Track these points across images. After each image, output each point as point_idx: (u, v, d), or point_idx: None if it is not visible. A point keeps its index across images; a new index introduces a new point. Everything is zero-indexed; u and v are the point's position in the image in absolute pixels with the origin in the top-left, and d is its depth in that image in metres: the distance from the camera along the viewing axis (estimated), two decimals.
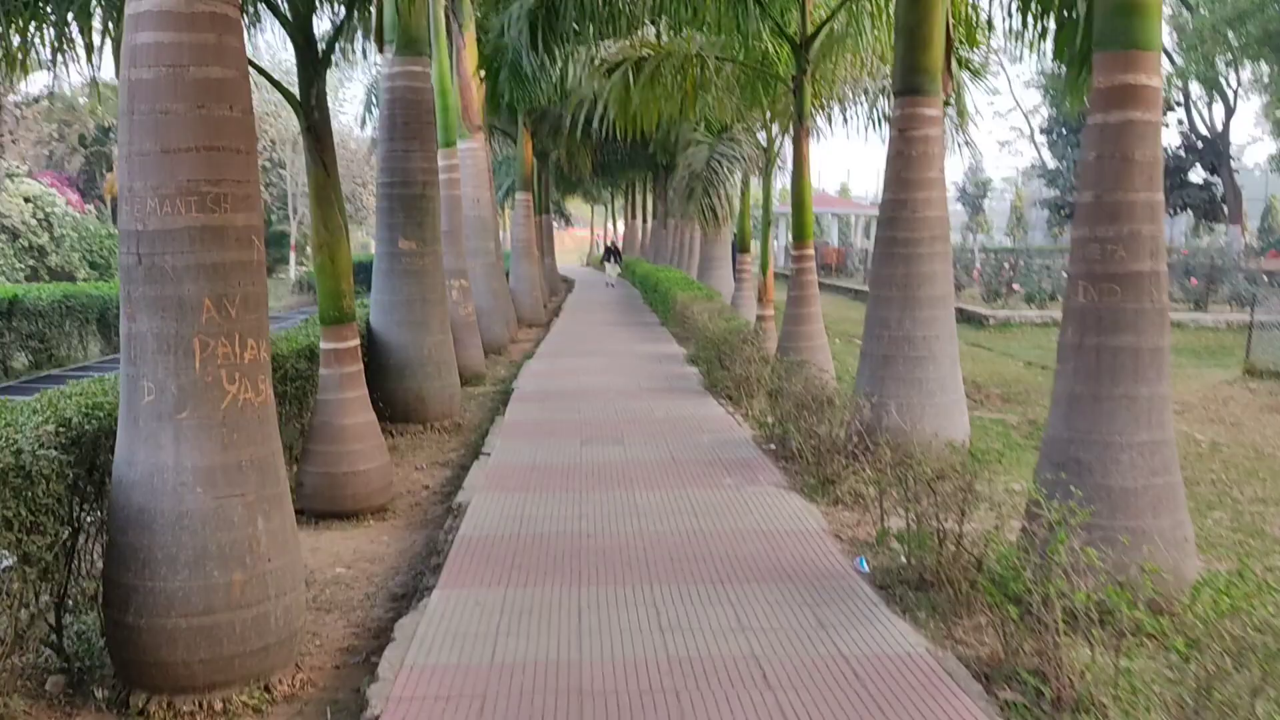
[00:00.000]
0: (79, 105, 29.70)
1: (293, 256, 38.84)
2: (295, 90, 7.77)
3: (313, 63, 7.77)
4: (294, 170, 38.41)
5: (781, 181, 29.27)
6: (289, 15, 7.60)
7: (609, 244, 35.64)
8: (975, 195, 62.77)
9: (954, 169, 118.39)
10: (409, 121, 11.04)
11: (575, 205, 70.86)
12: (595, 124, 17.94)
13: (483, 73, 18.35)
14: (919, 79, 8.05)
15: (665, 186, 37.04)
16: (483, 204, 17.96)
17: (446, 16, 17.12)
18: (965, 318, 22.37)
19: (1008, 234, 63.05)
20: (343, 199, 8.21)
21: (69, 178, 31.47)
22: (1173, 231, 53.15)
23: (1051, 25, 8.70)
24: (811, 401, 8.23)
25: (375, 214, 11.62)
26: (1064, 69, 8.62)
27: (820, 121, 14.90)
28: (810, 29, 11.12)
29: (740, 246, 17.62)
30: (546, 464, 8.61)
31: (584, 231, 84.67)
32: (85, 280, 28.74)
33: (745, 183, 16.64)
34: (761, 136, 15.84)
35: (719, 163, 15.91)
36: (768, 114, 14.20)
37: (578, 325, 21.70)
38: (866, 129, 15.22)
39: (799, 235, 11.58)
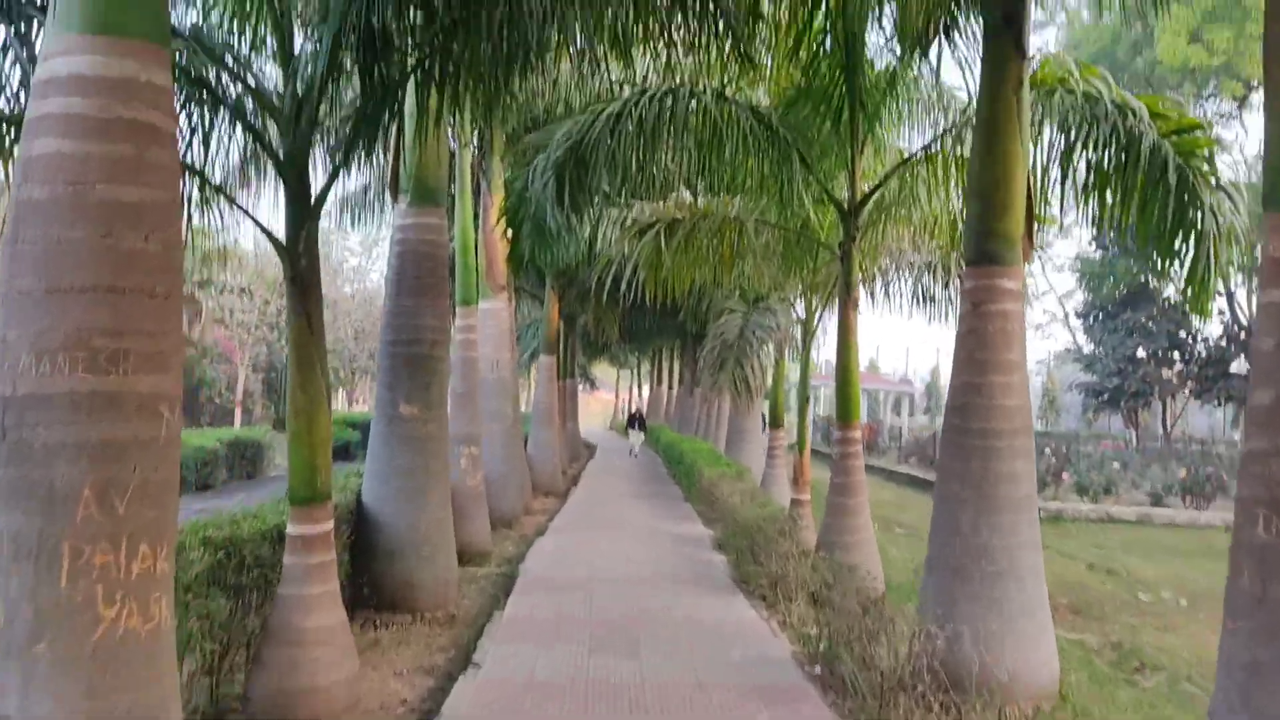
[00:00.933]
0: None
1: None
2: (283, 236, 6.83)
3: (303, 204, 6.87)
4: None
5: (821, 354, 28.40)
6: (279, 152, 6.73)
7: (633, 411, 34.41)
8: None
9: None
10: (420, 276, 10.14)
11: (601, 368, 70.49)
12: (624, 287, 17.21)
13: (509, 231, 17.72)
14: (996, 246, 7.02)
15: (693, 354, 36.31)
16: (503, 366, 17.02)
17: (474, 172, 16.63)
18: None
19: (1040, 418, 61.70)
20: (326, 359, 7.14)
21: None
22: (1211, 422, 51.71)
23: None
24: (866, 619, 6.86)
25: (376, 373, 10.59)
26: (1100, 250, 7.61)
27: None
28: (859, 194, 10.26)
29: (772, 422, 16.49)
30: (545, 681, 7.20)
31: (609, 395, 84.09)
32: None
33: (779, 354, 15.65)
34: (799, 307, 14.97)
35: (753, 333, 14.97)
36: (807, 283, 13.28)
37: (597, 495, 20.38)
38: (911, 305, 14.27)
39: (844, 415, 10.42)
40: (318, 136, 8.45)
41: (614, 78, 10.87)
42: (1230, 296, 40.45)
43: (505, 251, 17.67)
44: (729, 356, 14.90)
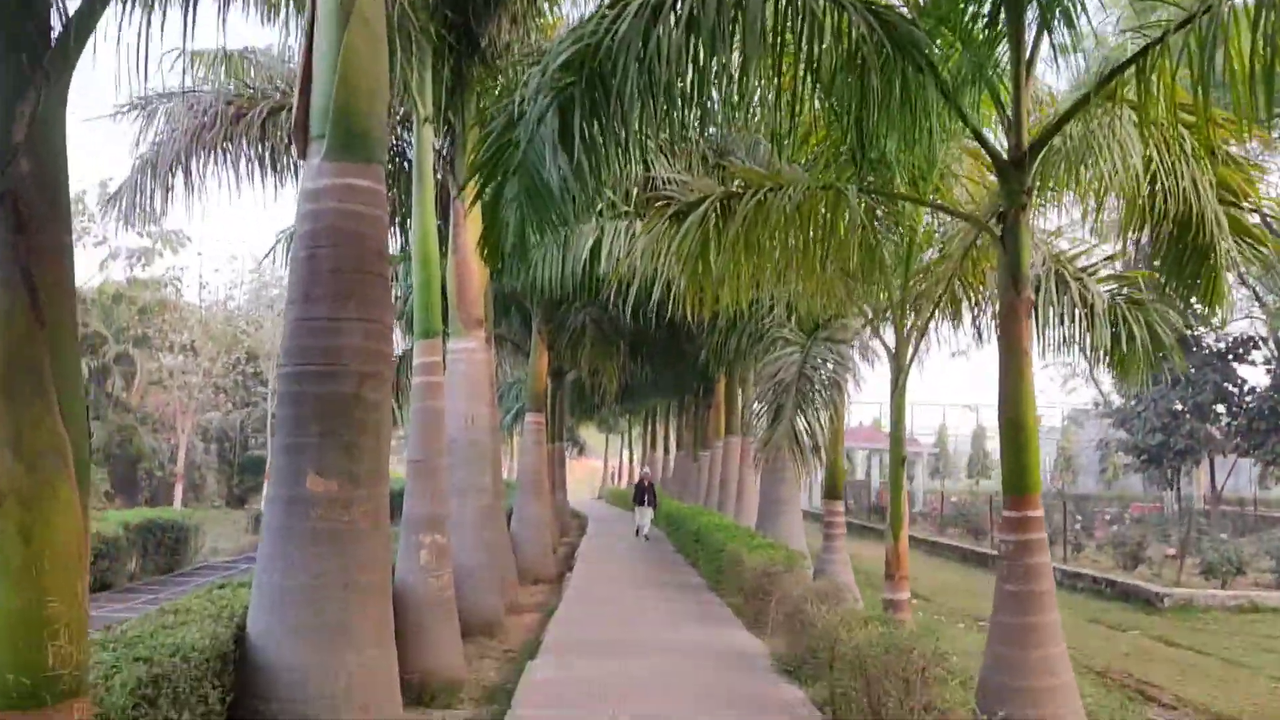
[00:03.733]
0: None
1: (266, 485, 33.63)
2: None
3: (31, 46, 3.08)
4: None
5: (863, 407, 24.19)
6: None
7: (640, 478, 27.11)
8: None
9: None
10: (341, 268, 6.34)
11: (587, 433, 66.45)
12: (632, 314, 13.51)
13: (485, 191, 13.98)
14: None
15: (696, 413, 32.48)
16: (479, 424, 13.12)
17: (442, 173, 12.92)
18: (1125, 594, 16.97)
19: (1055, 480, 57.96)
20: (79, 378, 3.29)
21: None
22: (1236, 482, 47.94)
23: None
24: None
25: (273, 425, 6.71)
26: None
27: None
28: (1028, 135, 6.58)
29: (831, 491, 12.65)
30: None
31: (596, 461, 79.68)
32: None
33: (837, 402, 11.82)
34: (871, 335, 11.26)
35: (816, 372, 11.17)
36: (896, 297, 9.53)
37: (599, 585, 16.31)
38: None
39: (1018, 483, 6.60)
40: None
41: None
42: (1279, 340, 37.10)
43: (483, 279, 13.95)
44: (785, 404, 11.12)
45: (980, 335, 10.18)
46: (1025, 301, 6.65)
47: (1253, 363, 37.40)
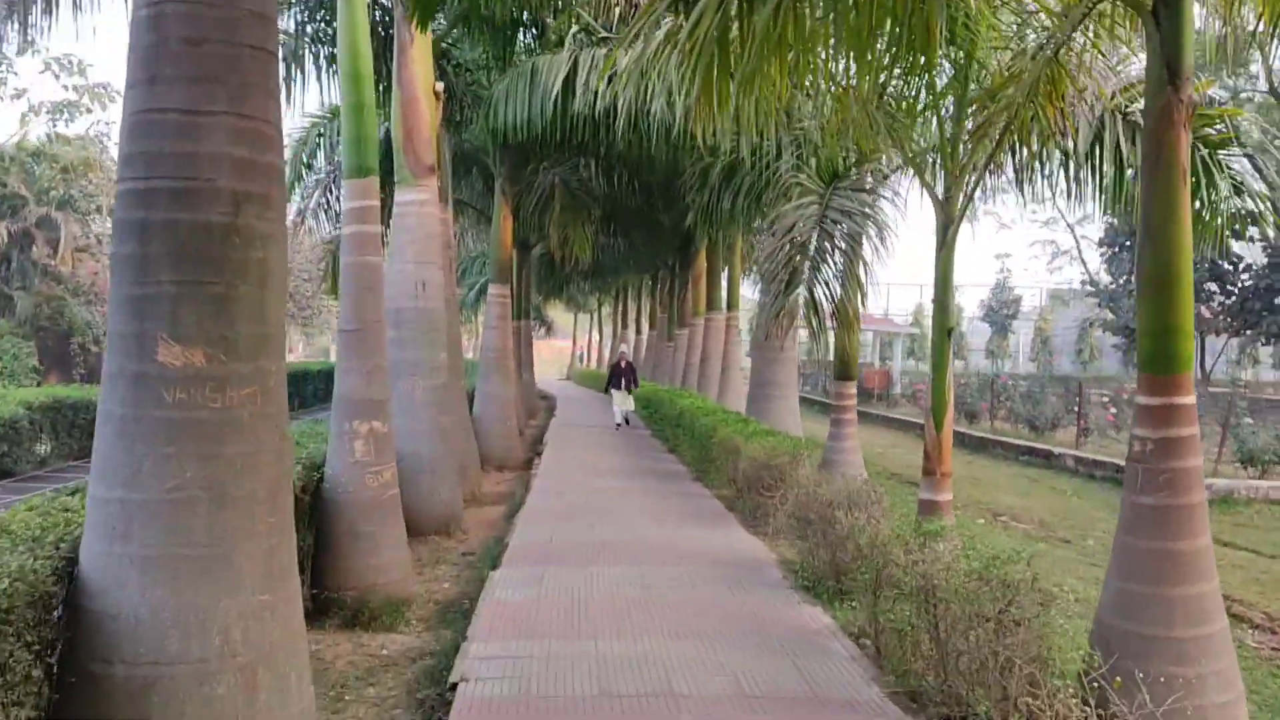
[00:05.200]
0: None
1: None
2: None
3: None
4: None
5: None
6: None
7: (618, 361, 23.21)
8: (1004, 315, 56.41)
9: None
10: (202, 36, 4.24)
11: (555, 313, 64.30)
12: (614, 165, 11.51)
13: (439, 87, 11.75)
14: None
15: (673, 288, 30.55)
16: (431, 290, 11.13)
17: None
18: None
19: (1032, 359, 56.88)
20: None
21: None
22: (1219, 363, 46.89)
23: None
24: None
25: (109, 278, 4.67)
26: None
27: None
28: None
29: (843, 370, 10.81)
30: None
31: (564, 342, 77.74)
32: None
33: (854, 263, 9.83)
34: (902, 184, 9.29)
35: (838, 225, 9.19)
36: (938, 139, 7.56)
37: (570, 476, 14.61)
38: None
39: (1164, 357, 4.79)
40: None
41: None
42: None
43: (434, 119, 11.76)
44: (799, 267, 9.17)
45: (1048, 182, 8.28)
46: (1185, 103, 4.71)
47: (1250, 239, 35.82)
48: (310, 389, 31.10)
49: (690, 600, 7.57)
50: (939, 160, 7.96)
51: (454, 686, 5.72)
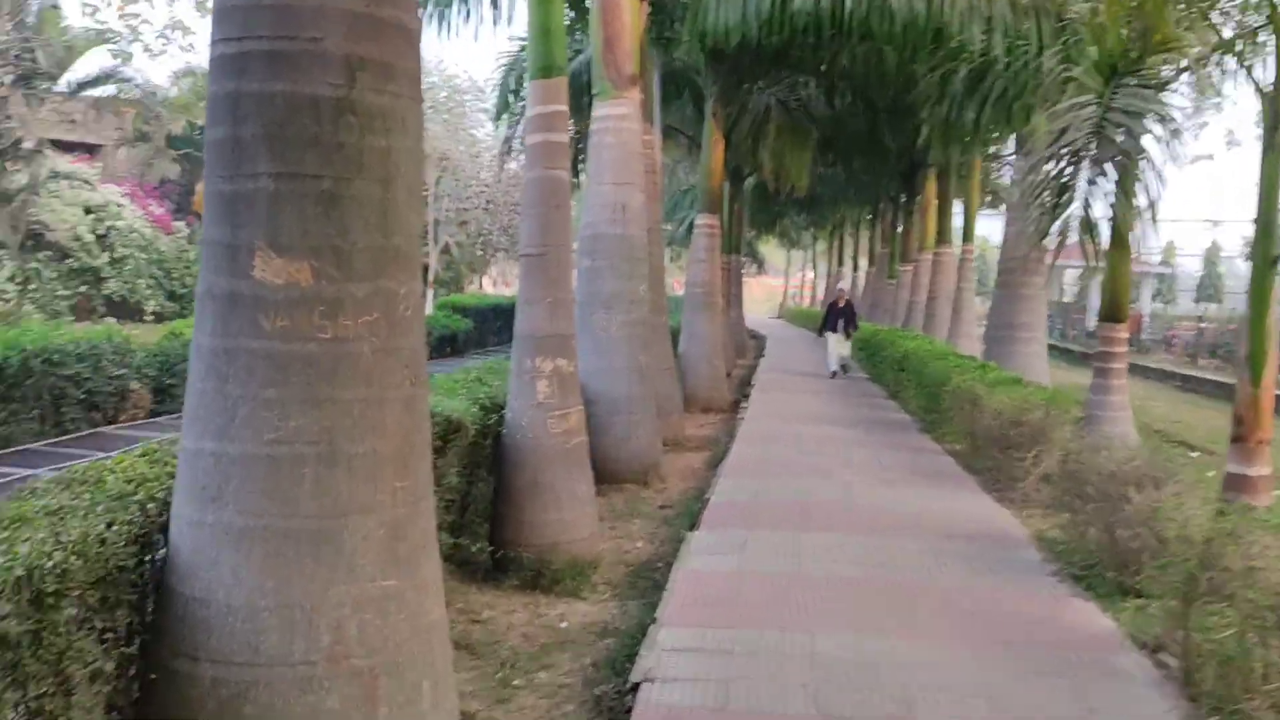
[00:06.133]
0: (163, 95, 23.91)
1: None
2: None
3: None
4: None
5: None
6: None
7: (835, 300, 20.75)
8: None
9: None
10: None
11: (767, 249, 62.37)
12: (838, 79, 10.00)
13: None
14: None
15: (895, 221, 28.44)
16: (632, 215, 10.04)
17: None
18: None
19: None
20: None
21: (155, 187, 25.69)
22: None
23: None
24: None
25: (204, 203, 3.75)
26: None
27: None
28: None
29: (1112, 311, 8.97)
30: None
31: (774, 279, 75.54)
32: (156, 313, 22.67)
33: (1137, 177, 7.88)
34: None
35: (1119, 129, 7.38)
36: None
37: (780, 424, 13.34)
38: None
39: None
40: None
41: None
42: None
43: (638, 23, 10.59)
44: (1072, 180, 7.48)
45: None
46: None
47: None
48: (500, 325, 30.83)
49: (927, 585, 6.23)
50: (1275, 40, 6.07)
51: (635, 687, 4.66)
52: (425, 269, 34.29)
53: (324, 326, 3.25)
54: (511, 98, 19.07)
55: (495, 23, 14.86)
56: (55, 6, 20.35)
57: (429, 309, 22.72)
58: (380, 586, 3.36)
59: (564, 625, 5.95)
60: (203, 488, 3.31)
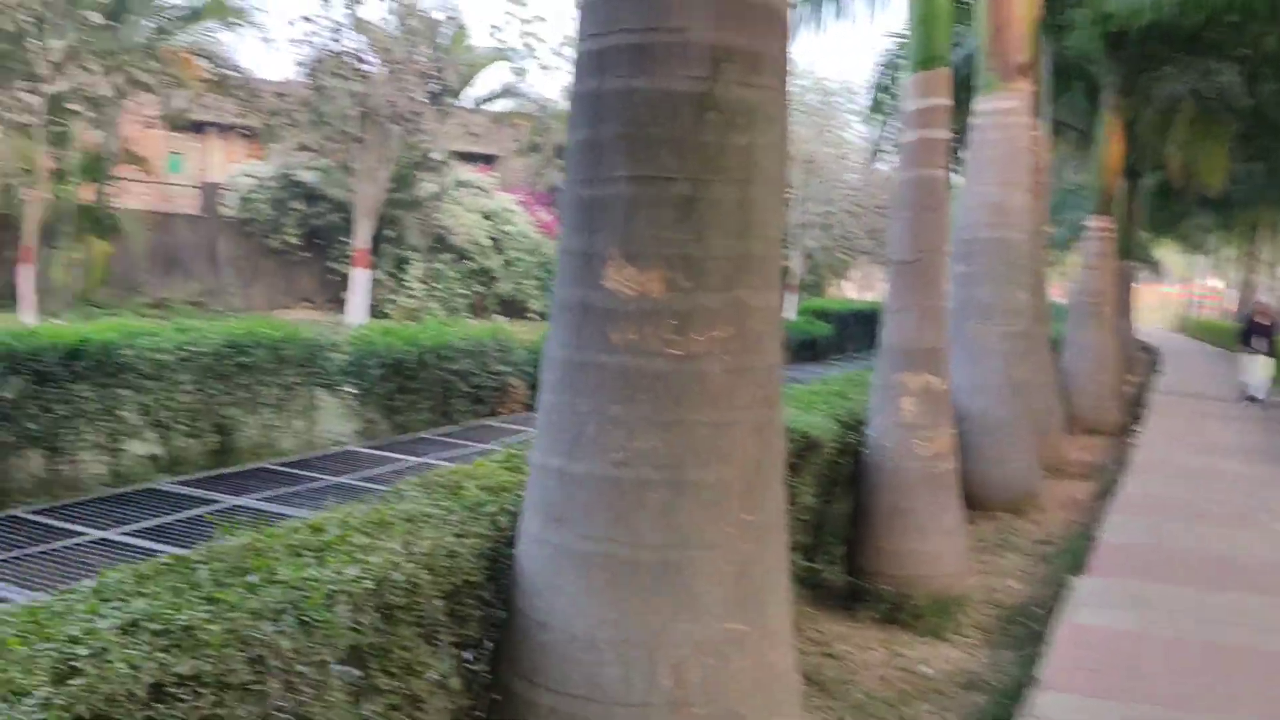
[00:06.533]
0: (553, 108, 25.55)
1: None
2: None
3: None
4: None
5: None
6: None
7: (1254, 312, 18.59)
8: None
9: None
10: None
11: (1163, 253, 56.16)
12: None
13: None
14: None
15: None
16: (1014, 217, 9.16)
17: None
18: None
19: None
20: None
21: (543, 195, 27.59)
22: None
23: None
24: None
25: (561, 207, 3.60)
26: None
27: None
28: None
29: None
30: None
31: (1171, 287, 67.88)
32: (539, 313, 24.34)
33: None
34: None
35: None
36: None
37: (1182, 454, 11.65)
38: None
39: None
40: None
41: None
42: None
43: (1031, 7, 9.65)
44: None
45: None
46: None
47: None
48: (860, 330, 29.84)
49: None
50: None
51: None
52: (784, 271, 34.11)
53: (674, 341, 2.99)
54: (884, 96, 18.37)
55: (871, 17, 14.34)
56: (462, 27, 22.41)
57: (792, 314, 22.58)
58: (724, 629, 3.05)
59: (925, 670, 5.39)
60: (548, 506, 3.17)
